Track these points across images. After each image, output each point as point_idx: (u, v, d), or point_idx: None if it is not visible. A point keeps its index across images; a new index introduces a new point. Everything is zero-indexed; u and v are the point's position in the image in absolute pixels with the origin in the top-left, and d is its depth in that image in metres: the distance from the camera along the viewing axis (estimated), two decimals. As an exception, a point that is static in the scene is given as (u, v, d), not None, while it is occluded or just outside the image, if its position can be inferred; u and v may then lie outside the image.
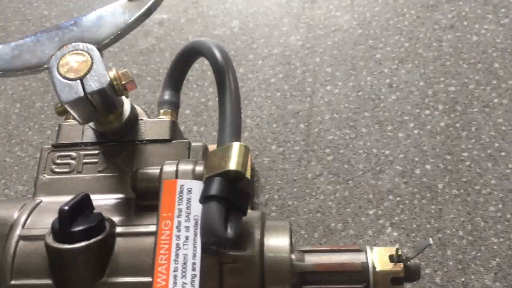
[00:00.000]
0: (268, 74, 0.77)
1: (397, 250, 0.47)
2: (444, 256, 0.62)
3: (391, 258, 0.47)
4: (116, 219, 0.47)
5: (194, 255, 0.43)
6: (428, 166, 0.67)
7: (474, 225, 0.63)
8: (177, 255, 0.43)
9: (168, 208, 0.45)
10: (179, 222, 0.44)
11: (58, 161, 0.52)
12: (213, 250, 0.44)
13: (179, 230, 0.44)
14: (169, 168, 0.47)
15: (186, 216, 0.45)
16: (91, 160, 0.52)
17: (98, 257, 0.44)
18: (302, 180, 0.68)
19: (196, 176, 0.46)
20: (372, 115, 0.72)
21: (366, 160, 0.69)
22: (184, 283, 0.42)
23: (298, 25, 0.81)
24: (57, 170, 0.52)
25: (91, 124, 0.51)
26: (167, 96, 0.58)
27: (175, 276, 0.42)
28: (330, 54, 0.78)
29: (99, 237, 0.44)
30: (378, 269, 0.47)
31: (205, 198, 0.43)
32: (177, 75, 0.59)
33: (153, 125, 0.53)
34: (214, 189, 0.43)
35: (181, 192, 0.45)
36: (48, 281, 0.44)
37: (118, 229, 0.46)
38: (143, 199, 0.47)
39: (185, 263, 0.43)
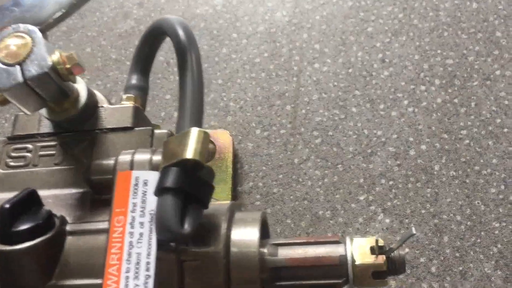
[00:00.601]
0: (253, 54, 0.72)
1: (377, 241, 0.42)
2: (441, 243, 0.57)
3: (372, 249, 0.43)
4: (69, 215, 0.43)
5: (149, 254, 0.39)
6: (423, 147, 0.62)
7: (474, 209, 0.58)
8: (129, 255, 0.39)
9: (121, 202, 0.41)
10: (133, 218, 0.40)
11: (13, 154, 0.49)
12: (169, 247, 0.40)
13: (132, 227, 0.40)
14: (124, 158, 0.43)
15: (141, 211, 0.41)
16: (47, 152, 0.48)
17: (46, 258, 0.40)
18: (288, 165, 0.64)
19: (153, 167, 0.42)
20: (363, 93, 0.66)
21: (356, 142, 0.64)
22: (137, 285, 0.38)
23: (284, 0, 0.76)
24: (12, 164, 0.48)
25: (45, 113, 0.47)
26: (133, 80, 0.54)
27: (127, 278, 0.38)
28: (319, 30, 0.73)
29: (46, 236, 0.40)
30: (357, 262, 0.43)
31: (160, 191, 0.39)
32: (144, 57, 0.55)
33: (114, 112, 0.49)
34: (169, 181, 0.39)
35: (136, 184, 0.41)
36: None
37: (69, 227, 0.42)
38: (100, 193, 0.44)
39: (138, 263, 0.39)
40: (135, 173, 0.42)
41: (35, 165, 0.48)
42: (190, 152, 0.40)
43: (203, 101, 0.43)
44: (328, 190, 0.62)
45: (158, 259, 0.40)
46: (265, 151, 0.65)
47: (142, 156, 0.43)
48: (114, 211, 0.41)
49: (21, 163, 0.48)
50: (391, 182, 0.61)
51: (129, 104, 0.50)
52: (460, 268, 0.56)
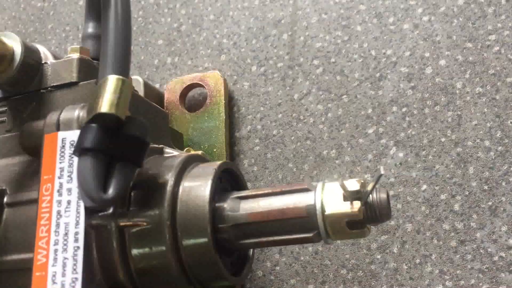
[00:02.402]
0: (246, -20, 0.64)
1: (344, 184, 0.35)
2: (465, 175, 0.48)
3: (345, 196, 0.35)
4: (14, 185, 0.40)
5: (77, 223, 0.35)
6: (442, 62, 0.51)
7: (506, 130, 0.48)
8: (58, 225, 0.35)
9: (49, 168, 0.37)
10: (61, 184, 0.36)
11: (-34, 124, 0.46)
12: (97, 214, 0.36)
13: (60, 194, 0.36)
14: (51, 118, 0.38)
15: (69, 176, 0.36)
16: (1, 119, 0.45)
17: (-16, 232, 0.38)
18: (288, 102, 0.56)
19: (82, 125, 0.38)
20: (369, 7, 0.56)
21: (362, 67, 0.54)
22: (65, 258, 0.34)
23: None
24: (-33, 134, 0.46)
25: (-17, 78, 0.44)
26: (90, 28, 0.49)
27: (55, 251, 0.35)
28: None
29: (-21, 210, 0.37)
30: (327, 212, 0.36)
31: (78, 152, 0.34)
32: (97, 1, 0.49)
33: (58, 68, 0.44)
34: (86, 141, 0.34)
35: (63, 147, 0.37)
36: None
37: (8, 198, 0.39)
38: (38, 159, 0.40)
39: (66, 234, 0.35)
40: (61, 134, 0.37)
41: (-10, 134, 0.45)
42: (105, 105, 0.34)
43: (129, 44, 0.37)
44: (333, 126, 0.54)
45: (95, 227, 0.36)
46: (262, 89, 0.58)
47: (69, 114, 0.38)
48: (43, 178, 0.37)
49: (-24, 133, 0.45)
50: (404, 109, 0.51)
51: (74, 56, 0.45)
52: (490, 203, 0.46)
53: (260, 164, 0.56)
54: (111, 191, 0.34)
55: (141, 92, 0.57)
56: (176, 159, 0.40)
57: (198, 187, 0.37)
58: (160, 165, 0.39)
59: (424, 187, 0.49)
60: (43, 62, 0.45)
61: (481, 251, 0.46)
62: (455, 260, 0.46)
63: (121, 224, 0.36)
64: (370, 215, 0.35)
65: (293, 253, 0.52)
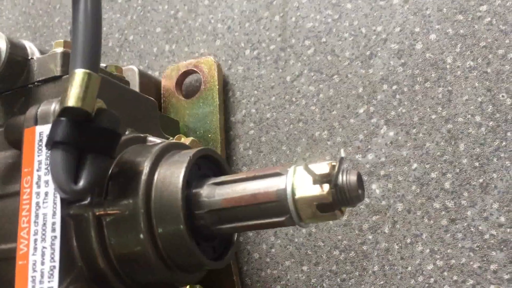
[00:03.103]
0: (239, -37, 0.63)
1: (307, 168, 0.34)
2: (456, 152, 0.47)
3: (314, 179, 0.35)
4: (1, 179, 0.42)
5: (54, 214, 0.36)
6: (432, 36, 0.50)
7: (497, 104, 0.46)
8: (37, 216, 0.37)
9: (28, 161, 0.38)
10: (39, 177, 0.37)
11: (-36, 121, 0.48)
12: (71, 205, 0.37)
13: (39, 186, 0.37)
14: (30, 113, 0.40)
15: (46, 169, 0.37)
16: (-7, 115, 0.47)
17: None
18: (281, 85, 0.56)
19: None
20: (359, -16, 0.55)
21: (353, 45, 0.53)
22: (44, 247, 0.36)
23: None
24: (-36, 131, 0.48)
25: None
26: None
27: (35, 241, 0.36)
28: None
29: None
30: (297, 195, 0.36)
31: (50, 145, 0.36)
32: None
33: (43, 62, 0.45)
34: (57, 134, 0.35)
35: (41, 140, 0.38)
36: None
37: (-9, 192, 0.41)
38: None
39: (44, 224, 0.36)
40: (38, 128, 0.38)
41: (-17, 130, 0.47)
42: (71, 99, 0.35)
43: (97, 38, 0.38)
44: (324, 106, 0.53)
45: (73, 217, 0.38)
46: (256, 72, 0.58)
47: (46, 108, 0.39)
48: (23, 171, 0.38)
49: (-28, 130, 0.47)
50: (394, 87, 0.50)
51: (58, 50, 0.46)
52: (481, 180, 0.45)
53: (255, 148, 0.56)
54: (81, 182, 0.35)
55: (136, 81, 0.58)
56: (154, 148, 0.40)
57: (172, 175, 0.38)
58: (138, 154, 0.40)
59: (415, 165, 0.48)
60: (29, 57, 0.46)
61: (472, 229, 0.45)
62: (446, 239, 0.46)
63: (97, 213, 0.37)
64: (340, 198, 0.35)
65: (287, 235, 0.52)
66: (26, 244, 0.36)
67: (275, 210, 0.37)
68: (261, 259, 0.53)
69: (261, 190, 0.37)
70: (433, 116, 0.48)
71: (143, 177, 0.38)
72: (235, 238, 0.43)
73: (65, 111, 0.35)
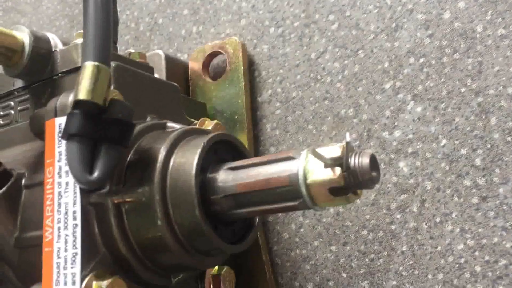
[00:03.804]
0: None
1: (315, 152, 0.34)
2: (487, 127, 0.44)
3: (326, 163, 0.34)
4: (30, 169, 0.44)
5: (75, 203, 0.38)
6: (461, 4, 0.47)
7: (531, 74, 0.43)
8: (59, 205, 0.38)
9: (50, 152, 0.40)
10: (60, 167, 0.39)
11: (1, 113, 0.50)
12: (95, 192, 0.38)
13: (60, 176, 0.39)
14: (51, 105, 0.41)
15: (66, 159, 0.39)
16: (24, 106, 0.49)
17: (7, 211, 0.42)
18: (305, 63, 0.55)
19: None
20: (384, -48, 0.52)
21: (378, 18, 0.51)
22: (67, 235, 0.37)
23: None
24: (1, 122, 0.50)
25: (2, 70, 0.48)
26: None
27: (59, 228, 0.38)
28: None
29: (0, 192, 0.41)
30: (309, 180, 0.35)
31: (65, 138, 0.37)
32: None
33: (66, 54, 0.46)
34: (71, 127, 0.36)
35: (60, 132, 0.39)
36: None
37: (26, 181, 0.43)
38: (49, 143, 0.43)
39: (66, 213, 0.38)
40: (58, 120, 0.40)
41: (17, 121, 0.49)
42: (82, 92, 0.36)
43: (107, 31, 0.38)
44: (350, 83, 0.52)
45: (94, 205, 0.39)
46: (281, 51, 0.57)
47: (64, 100, 0.40)
48: (46, 162, 0.40)
49: (8, 121, 0.50)
50: (421, 60, 0.48)
51: (79, 41, 0.47)
52: (513, 156, 0.43)
53: (282, 127, 0.56)
54: (96, 173, 0.36)
55: (162, 66, 0.58)
56: (170, 134, 0.41)
57: (186, 162, 0.38)
58: (155, 141, 0.41)
59: (444, 142, 0.46)
60: (53, 50, 0.47)
61: (505, 207, 0.43)
62: (477, 218, 0.44)
63: (116, 201, 0.38)
64: (353, 181, 0.34)
65: (315, 215, 0.52)
66: (51, 232, 0.38)
67: (288, 194, 0.36)
68: (290, 239, 0.53)
69: (274, 174, 0.37)
70: (463, 89, 0.46)
71: (158, 164, 0.39)
72: (256, 222, 0.43)
73: (77, 104, 0.36)
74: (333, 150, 0.35)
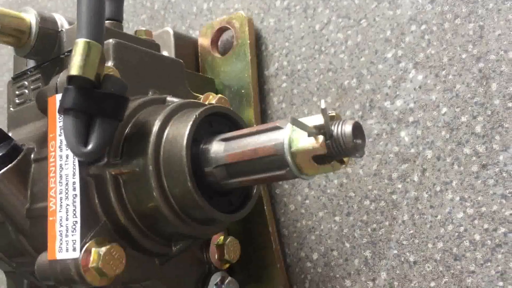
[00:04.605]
0: None
1: (295, 121, 0.34)
2: (487, 93, 0.43)
3: (309, 131, 0.35)
4: (38, 144, 0.46)
5: (74, 174, 0.40)
6: (463, -33, 0.46)
7: (533, 37, 0.42)
8: (61, 177, 0.40)
9: (52, 127, 0.42)
10: (61, 141, 0.41)
11: (17, 92, 0.53)
12: (94, 164, 0.40)
13: (61, 150, 0.41)
14: (52, 82, 0.43)
15: (66, 133, 0.41)
16: (37, 85, 0.51)
17: (18, 183, 0.44)
18: (310, 35, 0.55)
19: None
20: None
21: (380, -15, 0.50)
22: (67, 205, 0.39)
23: None
24: (17, 101, 0.53)
25: (14, 52, 0.50)
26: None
27: (61, 199, 0.40)
28: None
29: (10, 165, 0.44)
30: (293, 148, 0.36)
31: (61, 112, 0.39)
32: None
33: (71, 33, 0.48)
34: (66, 101, 0.38)
35: (60, 107, 0.41)
36: None
37: (35, 155, 0.45)
38: (56, 119, 0.45)
39: (67, 184, 0.40)
40: (58, 96, 0.41)
41: (31, 100, 0.51)
42: (74, 68, 0.37)
43: (99, 9, 0.39)
44: (352, 54, 0.51)
45: (93, 177, 0.41)
46: (286, 23, 0.57)
47: (63, 77, 0.42)
48: (49, 136, 0.42)
49: (23, 100, 0.52)
50: (423, 27, 0.47)
51: (83, 20, 0.48)
52: (514, 122, 0.42)
53: (288, 100, 0.56)
54: (90, 145, 0.38)
55: (171, 43, 0.59)
56: (165, 108, 0.42)
57: (178, 133, 0.39)
58: (151, 115, 0.42)
59: (444, 110, 0.45)
60: (59, 29, 0.49)
61: (504, 174, 0.42)
62: (477, 186, 0.43)
63: (113, 172, 0.40)
64: (336, 149, 0.35)
65: (320, 186, 0.52)
66: (54, 202, 0.40)
67: (275, 163, 0.37)
68: (296, 210, 0.54)
69: (261, 144, 0.38)
70: (464, 55, 0.45)
71: (152, 136, 0.40)
72: (254, 192, 0.44)
73: (70, 80, 0.37)
74: (316, 119, 0.35)
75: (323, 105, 0.32)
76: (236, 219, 0.42)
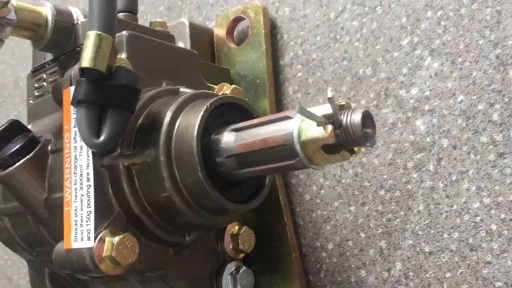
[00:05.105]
0: None
1: (303, 111, 0.34)
2: (505, 80, 0.42)
3: (318, 121, 0.35)
4: (55, 136, 0.47)
5: (88, 165, 0.40)
6: (481, -49, 0.44)
7: (553, 22, 0.40)
8: (75, 167, 0.41)
9: (67, 119, 0.42)
10: (75, 133, 0.42)
11: (36, 85, 0.54)
12: (108, 155, 0.40)
13: (75, 141, 0.42)
14: (67, 74, 0.44)
15: (80, 125, 0.41)
16: (54, 78, 0.52)
17: (36, 174, 0.45)
18: (325, 23, 0.54)
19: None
20: None
21: (396, -29, 0.49)
22: (82, 195, 0.40)
23: None
24: (36, 94, 0.54)
25: (32, 45, 0.51)
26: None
27: (75, 189, 0.41)
28: None
29: (28, 156, 0.45)
30: (302, 138, 0.36)
31: (74, 104, 0.39)
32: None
33: (86, 26, 0.49)
34: (79, 93, 0.39)
35: (74, 99, 0.42)
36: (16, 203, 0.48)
37: (52, 146, 0.46)
38: (71, 112, 0.46)
39: (81, 174, 0.41)
40: (72, 89, 0.42)
41: (49, 92, 0.52)
42: (85, 60, 0.38)
43: (110, 1, 0.39)
44: (368, 42, 0.51)
45: (107, 167, 0.41)
46: (301, 12, 0.56)
47: (77, 70, 0.42)
48: (64, 128, 0.43)
49: (41, 92, 0.53)
50: (439, 13, 0.46)
51: (97, 13, 0.49)
52: (532, 110, 0.41)
53: (303, 90, 0.56)
54: (103, 136, 0.38)
55: (186, 34, 0.59)
56: (177, 99, 0.42)
57: (189, 124, 0.40)
58: (164, 106, 0.42)
59: (461, 97, 0.44)
60: (75, 22, 0.50)
61: (522, 163, 0.41)
62: (493, 175, 0.42)
63: (126, 163, 0.41)
64: (345, 138, 0.34)
65: (335, 176, 0.52)
66: (69, 193, 0.41)
67: (285, 153, 0.37)
68: (312, 200, 0.54)
69: (271, 134, 0.37)
70: (481, 42, 0.44)
71: (164, 127, 0.40)
72: (267, 182, 0.44)
73: (82, 72, 0.38)
74: (325, 108, 0.35)
75: (329, 94, 0.32)
76: (248, 209, 0.42)
